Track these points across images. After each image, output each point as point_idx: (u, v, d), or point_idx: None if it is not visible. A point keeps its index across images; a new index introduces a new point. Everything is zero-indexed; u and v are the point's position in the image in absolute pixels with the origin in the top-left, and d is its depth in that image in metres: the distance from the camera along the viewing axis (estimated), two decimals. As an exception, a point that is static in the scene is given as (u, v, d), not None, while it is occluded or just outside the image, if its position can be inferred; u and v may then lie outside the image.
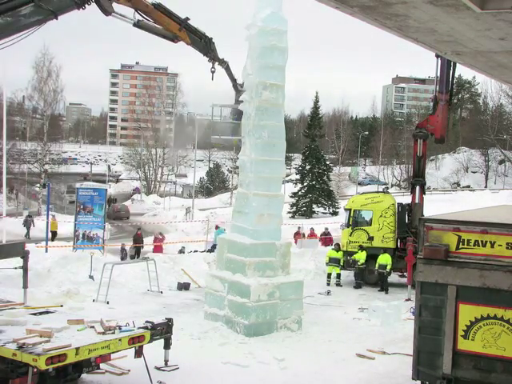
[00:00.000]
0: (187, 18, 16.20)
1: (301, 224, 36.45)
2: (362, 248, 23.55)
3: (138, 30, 15.75)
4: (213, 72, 17.84)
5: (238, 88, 18.11)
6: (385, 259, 22.71)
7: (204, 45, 16.83)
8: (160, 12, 15.44)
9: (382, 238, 23.88)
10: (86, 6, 13.96)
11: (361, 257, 23.28)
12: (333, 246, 24.86)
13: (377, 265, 22.78)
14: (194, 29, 16.73)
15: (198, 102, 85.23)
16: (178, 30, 15.77)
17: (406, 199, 26.78)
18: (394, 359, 13.60)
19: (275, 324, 15.59)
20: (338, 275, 23.40)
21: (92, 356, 9.85)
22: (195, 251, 28.25)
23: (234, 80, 18.20)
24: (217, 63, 17.46)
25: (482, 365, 9.87)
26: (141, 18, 15.43)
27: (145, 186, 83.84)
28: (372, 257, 23.79)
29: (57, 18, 13.99)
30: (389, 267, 22.59)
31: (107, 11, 14.30)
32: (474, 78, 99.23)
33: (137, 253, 29.38)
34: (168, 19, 15.59)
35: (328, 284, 22.80)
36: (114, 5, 14.80)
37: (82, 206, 27.86)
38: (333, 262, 23.24)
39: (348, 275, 24.85)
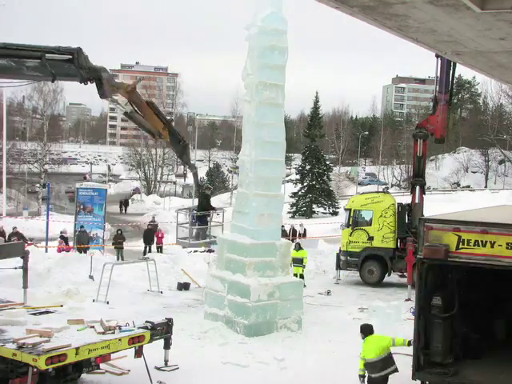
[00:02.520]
0: (171, 119, 17.24)
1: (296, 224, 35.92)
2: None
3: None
4: (184, 174, 19.59)
5: (202, 193, 19.47)
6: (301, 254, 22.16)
7: (181, 148, 17.82)
8: (150, 109, 16.37)
9: (381, 237, 23.88)
10: (89, 83, 14.62)
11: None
12: (293, 246, 23.46)
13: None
14: (175, 131, 17.88)
15: (198, 102, 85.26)
16: (162, 128, 16.66)
17: (406, 199, 26.76)
18: (394, 359, 13.57)
19: (275, 324, 15.59)
20: (302, 276, 21.44)
21: (92, 356, 9.86)
22: (195, 251, 28.24)
23: (198, 186, 19.72)
24: (187, 166, 18.78)
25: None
26: (132, 110, 16.23)
27: (145, 186, 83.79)
28: (372, 257, 23.82)
29: (53, 82, 14.65)
30: (305, 261, 22.25)
31: (105, 95, 15.02)
32: (474, 78, 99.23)
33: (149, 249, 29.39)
34: (155, 117, 16.49)
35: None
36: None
37: (81, 206, 27.88)
38: (296, 262, 21.82)
39: (348, 275, 24.88)
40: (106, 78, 14.73)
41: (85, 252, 24.69)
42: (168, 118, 17.93)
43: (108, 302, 17.95)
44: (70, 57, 13.88)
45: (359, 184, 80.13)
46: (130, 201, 68.11)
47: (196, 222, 24.45)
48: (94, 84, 14.76)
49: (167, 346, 11.87)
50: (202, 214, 25.26)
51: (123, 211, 62.46)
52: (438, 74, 23.90)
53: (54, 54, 13.74)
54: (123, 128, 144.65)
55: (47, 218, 30.12)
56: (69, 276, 20.66)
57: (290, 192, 62.14)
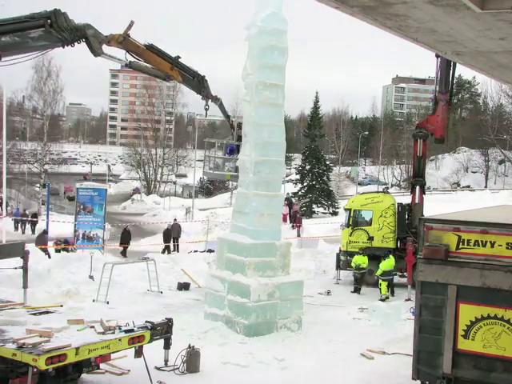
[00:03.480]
0: (178, 57, 16.28)
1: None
2: (363, 251, 23.09)
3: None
4: (206, 109, 17.97)
5: (232, 124, 18.28)
6: (362, 260, 22.60)
7: (197, 83, 16.79)
8: (151, 52, 15.51)
9: (381, 238, 23.87)
10: (76, 44, 14.05)
11: (364, 261, 22.71)
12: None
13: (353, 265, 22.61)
14: (186, 67, 16.73)
15: (198, 102, 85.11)
16: (170, 69, 15.76)
17: (406, 199, 26.76)
18: (394, 359, 13.61)
19: (275, 324, 15.59)
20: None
21: (92, 356, 9.85)
22: (195, 251, 28.25)
23: (227, 117, 18.44)
24: (210, 100, 17.50)
25: (481, 364, 9.87)
26: (132, 59, 15.45)
27: (145, 186, 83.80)
28: (371, 257, 23.78)
29: (63, 47, 14.17)
30: (364, 266, 22.47)
31: (97, 53, 14.36)
32: (474, 78, 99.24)
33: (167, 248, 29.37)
34: (159, 59, 15.63)
35: None
36: (105, 46, 14.86)
37: (81, 206, 27.86)
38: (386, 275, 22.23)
39: (347, 275, 24.86)
40: (92, 35, 14.06)
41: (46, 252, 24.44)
42: (176, 55, 16.33)
43: (108, 302, 17.95)
44: (49, 21, 13.18)
45: (359, 184, 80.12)
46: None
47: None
48: (85, 44, 14.06)
49: (167, 346, 11.86)
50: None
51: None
52: (438, 74, 23.90)
53: (30, 22, 13.02)
54: (123, 128, 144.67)
55: (47, 218, 30.11)
56: (69, 276, 20.66)
57: (290, 192, 62.10)
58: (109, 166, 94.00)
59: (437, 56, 22.18)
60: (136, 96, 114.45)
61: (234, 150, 17.76)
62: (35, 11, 13.54)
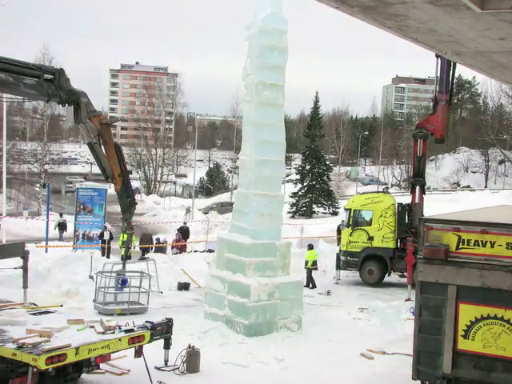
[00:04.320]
0: (130, 172, 16.71)
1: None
2: (310, 247, 23.40)
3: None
4: (123, 232, 18.80)
5: (126, 257, 18.50)
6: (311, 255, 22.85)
7: (128, 203, 17.10)
8: (115, 152, 15.93)
9: (381, 237, 23.89)
10: (67, 105, 14.83)
11: (309, 257, 22.94)
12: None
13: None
14: (129, 184, 17.14)
15: (198, 102, 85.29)
16: (118, 175, 16.14)
17: (406, 199, 26.77)
18: (394, 359, 13.61)
19: (275, 324, 15.59)
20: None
21: (92, 356, 9.86)
22: (195, 251, 28.25)
23: (128, 248, 18.62)
24: (125, 224, 17.74)
25: (482, 365, 9.87)
26: (97, 142, 15.73)
27: (145, 186, 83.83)
28: (372, 257, 23.82)
29: (47, 102, 15.15)
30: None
31: (80, 120, 14.90)
32: (474, 78, 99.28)
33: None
34: (117, 161, 16.03)
35: None
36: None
37: (81, 206, 27.87)
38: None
39: (348, 275, 24.89)
40: (85, 103, 14.70)
41: None
42: (129, 169, 17.44)
43: (108, 302, 17.93)
44: (52, 77, 13.83)
45: (359, 181, 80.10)
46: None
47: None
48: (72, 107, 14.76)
49: (167, 346, 11.87)
50: None
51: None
52: (438, 74, 23.90)
53: (35, 71, 13.68)
54: (123, 128, 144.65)
55: (47, 218, 30.10)
56: (69, 276, 20.66)
57: (289, 192, 62.14)
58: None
59: (437, 56, 22.19)
60: (136, 96, 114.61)
61: (126, 282, 17.89)
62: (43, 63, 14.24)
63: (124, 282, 17.83)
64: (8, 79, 12.95)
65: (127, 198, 16.96)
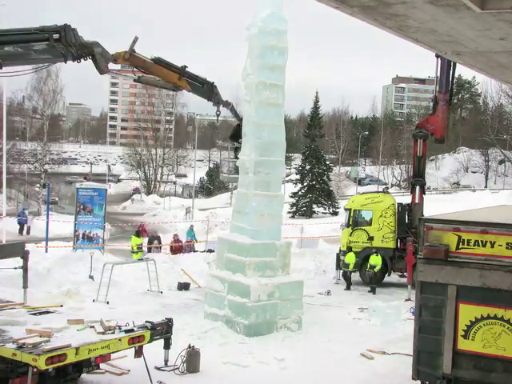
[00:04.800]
0: (185, 66, 16.27)
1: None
2: (376, 251, 23.28)
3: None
4: (218, 115, 17.88)
5: (240, 123, 18.13)
6: (375, 260, 22.85)
7: (206, 90, 16.71)
8: (158, 65, 15.52)
9: (381, 237, 23.88)
10: (82, 60, 14.03)
11: (377, 262, 23.03)
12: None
13: (368, 265, 23.04)
14: (194, 76, 16.65)
15: (198, 102, 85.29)
16: (178, 79, 15.72)
17: (406, 199, 26.76)
18: (394, 359, 13.60)
19: (275, 324, 15.59)
20: None
21: (92, 356, 9.86)
22: (195, 251, 28.24)
23: (240, 119, 18.20)
24: (221, 105, 17.40)
25: (482, 365, 9.87)
26: (140, 74, 15.54)
27: (145, 186, 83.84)
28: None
29: (65, 62, 14.13)
30: (378, 268, 22.83)
31: (102, 71, 14.34)
32: (474, 78, 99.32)
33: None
34: (167, 71, 15.60)
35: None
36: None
37: (81, 206, 27.84)
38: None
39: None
40: (99, 53, 14.04)
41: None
42: (182, 65, 16.15)
43: (108, 302, 17.95)
44: (58, 35, 13.13)
45: (359, 183, 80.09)
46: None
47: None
48: (91, 60, 14.02)
49: (167, 346, 11.87)
50: None
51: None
52: (438, 73, 23.89)
53: (40, 34, 13.17)
54: (123, 128, 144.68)
55: (47, 218, 30.07)
56: (69, 276, 20.65)
57: (289, 192, 62.14)
58: (109, 166, 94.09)
59: (437, 56, 22.17)
60: (136, 96, 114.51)
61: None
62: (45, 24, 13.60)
63: None
64: (17, 50, 12.49)
65: (202, 86, 16.58)
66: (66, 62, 14.13)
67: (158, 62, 15.63)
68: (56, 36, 13.18)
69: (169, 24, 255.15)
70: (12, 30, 12.75)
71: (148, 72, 15.49)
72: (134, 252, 25.98)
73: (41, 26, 13.46)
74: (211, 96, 16.96)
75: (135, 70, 15.85)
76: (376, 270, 22.86)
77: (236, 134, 17.88)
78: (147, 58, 15.62)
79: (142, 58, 15.31)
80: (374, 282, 22.87)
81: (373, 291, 22.47)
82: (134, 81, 15.46)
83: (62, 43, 13.24)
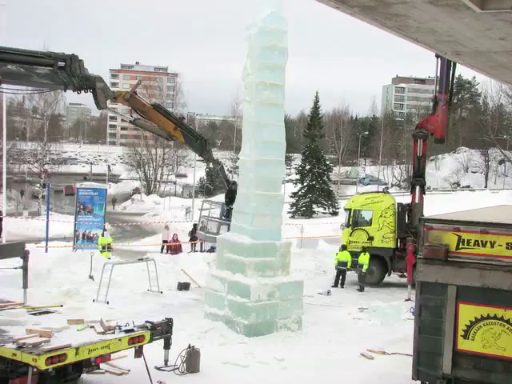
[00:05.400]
0: (182, 118, 16.46)
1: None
2: (364, 250, 23.34)
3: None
4: (207, 171, 18.06)
5: (230, 188, 18.16)
6: (362, 259, 22.92)
7: (199, 145, 16.91)
8: (157, 112, 15.61)
9: (381, 238, 23.89)
10: (83, 92, 14.07)
11: (364, 260, 22.95)
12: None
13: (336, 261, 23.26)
14: (190, 129, 16.91)
15: (198, 102, 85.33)
16: (173, 129, 15.85)
17: (406, 199, 26.76)
18: (394, 359, 13.60)
19: (275, 324, 15.59)
20: None
21: (92, 356, 9.86)
22: (195, 251, 28.25)
23: (227, 181, 18.40)
24: (211, 164, 17.66)
25: (482, 365, 9.87)
26: (137, 116, 15.60)
27: (145, 186, 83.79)
28: (372, 257, 23.78)
29: (65, 90, 14.25)
30: (365, 267, 22.89)
31: (101, 106, 14.43)
32: (474, 78, 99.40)
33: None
34: (164, 118, 15.70)
35: None
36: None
37: (81, 206, 27.87)
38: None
39: (348, 275, 24.84)
40: (101, 88, 14.10)
41: None
42: (179, 116, 16.95)
43: (108, 302, 17.93)
44: (63, 64, 13.30)
45: (360, 182, 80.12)
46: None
47: (225, 217, 20.93)
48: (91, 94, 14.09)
49: (167, 346, 11.86)
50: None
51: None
52: (438, 74, 23.89)
53: (46, 59, 13.22)
54: (123, 128, 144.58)
55: (47, 218, 30.09)
56: (69, 276, 20.65)
57: (290, 192, 62.15)
58: (109, 166, 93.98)
59: (437, 56, 22.18)
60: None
61: (230, 212, 17.77)
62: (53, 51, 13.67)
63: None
64: (19, 70, 12.52)
65: (196, 141, 16.70)
66: (65, 91, 14.36)
67: (157, 108, 15.85)
68: (61, 64, 13.32)
69: (168, 24, 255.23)
70: (19, 50, 12.84)
71: (145, 116, 15.61)
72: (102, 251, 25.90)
73: (48, 52, 13.70)
74: (203, 152, 17.20)
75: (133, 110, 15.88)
76: (363, 269, 22.85)
77: (232, 198, 18.01)
78: (147, 102, 15.85)
79: (141, 102, 15.48)
80: (362, 280, 22.96)
81: (361, 289, 22.61)
82: (130, 122, 15.55)
83: (66, 72, 13.39)
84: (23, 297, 15.05)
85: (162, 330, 11.48)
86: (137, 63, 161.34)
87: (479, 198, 53.23)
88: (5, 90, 14.25)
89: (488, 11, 6.95)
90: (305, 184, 65.04)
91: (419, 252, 10.50)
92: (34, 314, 11.44)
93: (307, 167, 65.59)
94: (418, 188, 24.39)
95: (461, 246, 10.07)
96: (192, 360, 12.23)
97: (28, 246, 16.92)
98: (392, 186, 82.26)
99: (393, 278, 24.43)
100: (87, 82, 13.89)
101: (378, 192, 29.44)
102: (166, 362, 12.07)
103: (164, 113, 15.93)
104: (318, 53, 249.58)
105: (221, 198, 76.81)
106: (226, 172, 18.87)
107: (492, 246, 9.84)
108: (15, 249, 15.85)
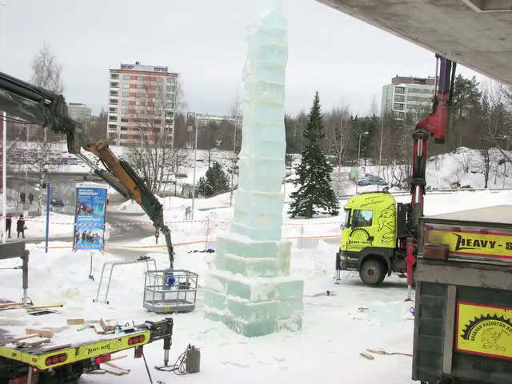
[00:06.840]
0: (144, 179, 16.89)
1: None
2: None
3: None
4: (157, 236, 19.32)
5: (172, 257, 18.85)
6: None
7: (153, 210, 17.35)
8: (122, 168, 16.04)
9: (381, 237, 23.88)
10: (60, 132, 14.46)
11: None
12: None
13: None
14: (149, 192, 17.36)
15: (198, 102, 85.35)
16: (134, 188, 16.24)
17: (406, 199, 26.76)
18: (394, 359, 13.60)
19: (275, 324, 15.59)
20: None
21: (92, 356, 9.85)
22: (195, 251, 28.23)
23: (170, 249, 18.93)
24: (160, 229, 18.14)
25: (482, 365, 9.86)
26: (103, 168, 15.94)
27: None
28: (372, 257, 23.81)
29: (43, 127, 14.88)
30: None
31: (73, 150, 14.69)
32: (474, 78, 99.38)
33: None
34: (127, 176, 16.10)
35: None
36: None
37: (81, 206, 27.85)
38: None
39: (348, 275, 24.87)
40: (78, 134, 14.46)
41: None
42: (141, 177, 17.55)
43: (108, 302, 17.94)
44: (49, 102, 13.61)
45: (359, 184, 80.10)
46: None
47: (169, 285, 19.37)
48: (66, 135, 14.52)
49: (167, 346, 11.87)
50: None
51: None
52: (438, 74, 23.90)
53: (35, 93, 13.36)
54: (123, 128, 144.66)
55: (47, 219, 30.09)
56: (69, 276, 20.66)
57: (290, 192, 62.15)
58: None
59: (437, 56, 22.19)
60: (136, 96, 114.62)
61: (173, 280, 18.26)
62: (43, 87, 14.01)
63: (171, 281, 18.26)
64: (7, 97, 12.78)
65: (151, 204, 17.28)
66: (44, 127, 14.76)
67: (124, 165, 16.25)
68: (48, 101, 13.65)
69: (168, 24, 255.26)
70: (13, 78, 13.13)
71: (111, 170, 15.96)
72: None
73: (39, 87, 14.17)
74: (155, 216, 17.58)
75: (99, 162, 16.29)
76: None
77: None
78: (116, 158, 16.28)
79: (111, 156, 15.85)
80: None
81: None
82: (95, 172, 15.85)
83: (50, 110, 13.67)
84: (23, 297, 15.05)
85: (162, 330, 11.49)
86: (137, 63, 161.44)
87: (479, 197, 53.24)
88: None
89: (488, 11, 6.96)
90: (305, 184, 65.05)
91: (419, 252, 10.49)
92: (34, 314, 11.44)
93: (307, 167, 65.60)
94: (417, 188, 24.39)
95: (461, 246, 10.06)
96: (192, 360, 12.22)
97: (28, 246, 16.94)
98: (392, 185, 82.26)
99: (393, 277, 24.43)
100: (67, 125, 14.34)
101: (378, 192, 29.39)
102: (165, 361, 12.07)
103: (129, 171, 16.49)
104: (319, 52, 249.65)
105: (219, 198, 76.79)
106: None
107: (492, 246, 9.83)
108: (15, 249, 15.86)
